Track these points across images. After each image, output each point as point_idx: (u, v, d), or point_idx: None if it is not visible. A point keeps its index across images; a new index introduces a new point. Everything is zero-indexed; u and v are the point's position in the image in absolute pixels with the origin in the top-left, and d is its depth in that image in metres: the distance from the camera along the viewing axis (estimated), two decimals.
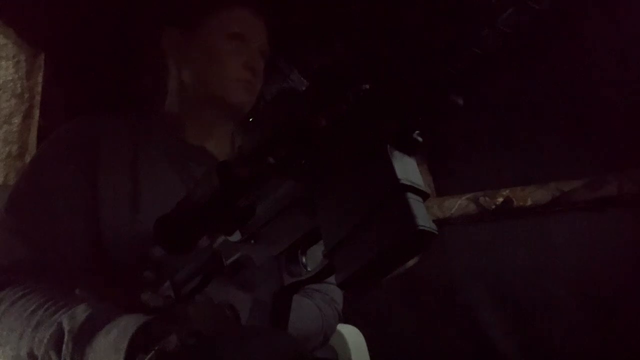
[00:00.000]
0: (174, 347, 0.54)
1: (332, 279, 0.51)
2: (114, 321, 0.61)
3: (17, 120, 1.31)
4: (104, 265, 0.81)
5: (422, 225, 0.45)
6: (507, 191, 1.38)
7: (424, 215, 0.46)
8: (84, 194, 0.83)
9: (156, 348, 0.54)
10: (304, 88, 0.56)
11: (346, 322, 1.07)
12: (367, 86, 0.50)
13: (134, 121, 0.97)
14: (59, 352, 0.61)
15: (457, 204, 1.42)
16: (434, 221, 0.46)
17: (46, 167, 0.87)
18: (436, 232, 0.46)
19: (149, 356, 0.53)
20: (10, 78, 1.33)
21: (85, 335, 0.61)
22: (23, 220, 0.81)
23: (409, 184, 0.47)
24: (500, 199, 1.38)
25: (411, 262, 0.49)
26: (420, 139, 0.50)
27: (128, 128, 0.94)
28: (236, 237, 0.64)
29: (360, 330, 1.12)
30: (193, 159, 0.95)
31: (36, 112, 1.31)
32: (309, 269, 0.56)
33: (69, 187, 0.84)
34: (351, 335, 1.08)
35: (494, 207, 1.38)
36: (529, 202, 1.35)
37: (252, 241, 0.63)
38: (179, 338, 0.55)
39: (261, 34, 1.01)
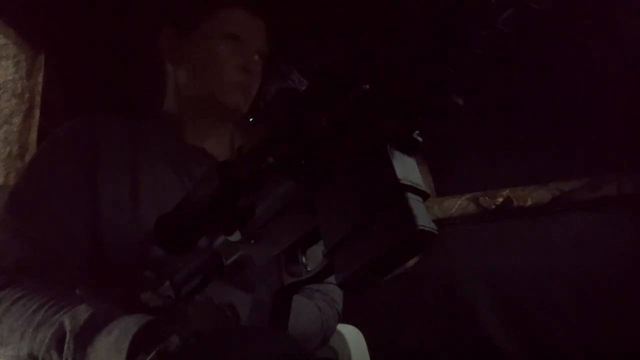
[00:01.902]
0: (175, 348, 0.54)
1: (332, 278, 0.51)
2: (115, 321, 0.61)
3: (17, 120, 1.31)
4: (104, 265, 0.81)
5: (422, 225, 0.45)
6: (507, 191, 1.38)
7: (424, 215, 0.46)
8: (83, 193, 0.83)
9: (157, 348, 0.54)
10: (304, 88, 0.56)
11: (346, 322, 1.07)
12: (367, 86, 0.50)
13: (133, 121, 0.97)
14: (60, 352, 0.61)
15: (457, 204, 1.42)
16: (434, 221, 0.46)
17: (46, 167, 0.87)
18: (436, 232, 0.46)
19: (150, 356, 0.53)
20: (11, 78, 1.33)
21: (86, 335, 0.61)
22: (23, 220, 0.81)
23: (409, 184, 0.47)
24: (500, 199, 1.38)
25: (411, 262, 0.49)
26: (420, 139, 0.50)
27: (128, 128, 0.94)
28: (236, 237, 0.64)
29: (360, 330, 1.12)
30: (193, 160, 0.95)
31: (36, 112, 1.31)
32: (309, 269, 0.56)
33: (68, 187, 0.84)
34: (351, 335, 1.08)
35: (494, 207, 1.38)
36: (529, 202, 1.35)
37: (252, 241, 0.63)
38: (180, 338, 0.55)
39: (259, 34, 1.01)
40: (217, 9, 0.98)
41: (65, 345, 0.61)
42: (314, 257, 0.57)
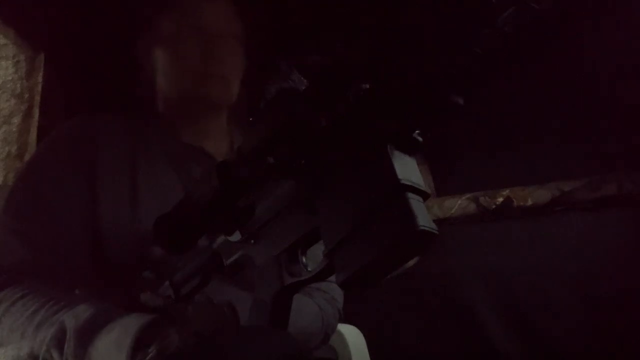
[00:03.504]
0: (175, 348, 0.54)
1: (333, 277, 0.51)
2: (116, 320, 0.61)
3: (16, 120, 1.31)
4: (103, 265, 0.81)
5: (422, 225, 0.45)
6: (507, 191, 1.38)
7: (424, 215, 0.46)
8: (82, 193, 0.83)
9: (157, 348, 0.54)
10: (304, 88, 0.56)
11: (346, 322, 1.07)
12: (367, 86, 0.50)
13: (133, 121, 0.97)
14: (60, 351, 0.61)
15: (457, 204, 1.42)
16: (434, 221, 0.46)
17: (44, 167, 0.87)
18: (437, 232, 0.46)
19: (150, 356, 0.53)
20: (10, 78, 1.33)
21: (87, 333, 0.61)
22: (22, 220, 0.81)
23: (409, 183, 0.47)
24: (500, 199, 1.38)
25: (411, 262, 0.49)
26: (420, 139, 0.50)
27: (126, 128, 0.94)
28: (236, 237, 0.64)
29: (360, 330, 1.12)
30: (192, 159, 0.95)
31: (36, 112, 1.30)
32: (309, 269, 0.56)
33: (67, 187, 0.84)
34: (351, 335, 1.08)
35: (494, 207, 1.38)
36: (529, 202, 1.35)
37: (252, 241, 0.63)
38: (180, 338, 0.55)
39: (218, 17, 0.97)
40: (167, 6, 0.97)
41: (66, 345, 0.61)
42: (314, 257, 0.57)
